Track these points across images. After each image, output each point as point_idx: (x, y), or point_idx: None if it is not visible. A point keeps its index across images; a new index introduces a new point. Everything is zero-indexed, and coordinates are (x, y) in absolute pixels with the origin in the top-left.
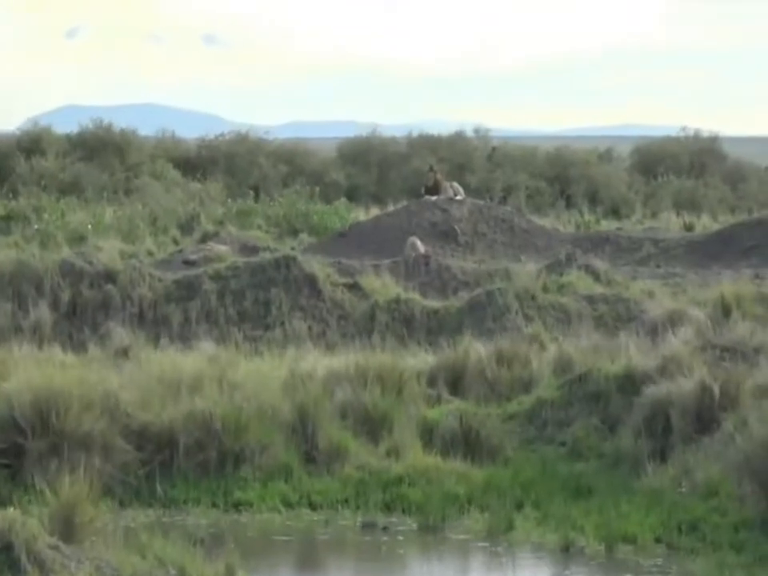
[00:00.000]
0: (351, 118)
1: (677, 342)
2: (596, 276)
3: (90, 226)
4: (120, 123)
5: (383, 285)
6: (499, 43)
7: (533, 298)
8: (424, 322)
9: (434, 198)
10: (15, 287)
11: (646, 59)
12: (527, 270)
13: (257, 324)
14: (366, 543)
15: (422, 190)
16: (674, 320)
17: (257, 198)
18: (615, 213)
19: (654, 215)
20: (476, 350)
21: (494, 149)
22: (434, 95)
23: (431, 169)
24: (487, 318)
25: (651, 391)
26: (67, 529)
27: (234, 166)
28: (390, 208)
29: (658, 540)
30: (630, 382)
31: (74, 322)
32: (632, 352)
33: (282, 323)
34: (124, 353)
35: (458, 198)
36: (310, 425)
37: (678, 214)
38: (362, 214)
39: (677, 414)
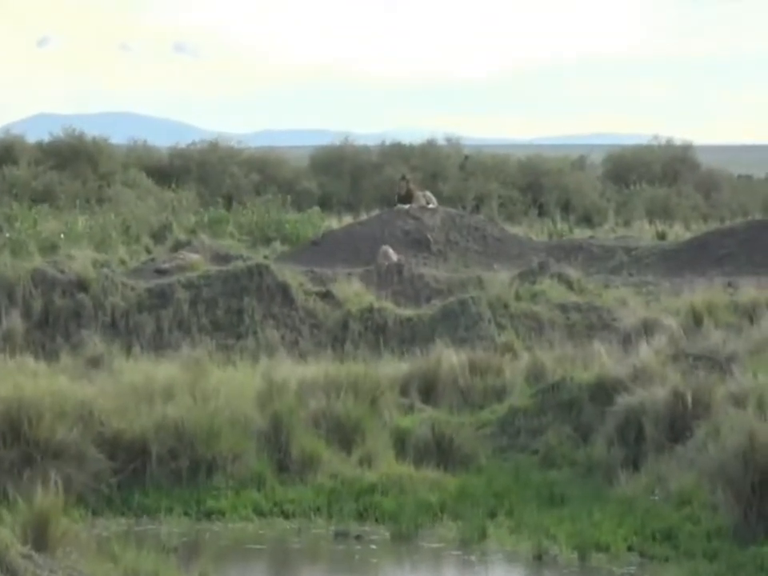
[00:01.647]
0: (324, 127)
1: (649, 351)
2: (569, 284)
3: (62, 235)
4: (92, 132)
5: (356, 293)
6: (472, 51)
7: (505, 306)
8: (397, 330)
9: (406, 206)
10: None
11: (619, 68)
12: (500, 279)
13: (229, 333)
14: (339, 552)
15: (395, 199)
16: (646, 328)
17: (229, 206)
18: (588, 221)
19: (626, 223)
20: (449, 358)
21: (466, 157)
22: (406, 104)
23: (404, 177)
24: (460, 326)
25: (624, 400)
26: (40, 538)
27: (206, 175)
28: (363, 217)
29: (630, 548)
30: (603, 391)
31: (46, 330)
32: (605, 360)
33: (255, 332)
34: (96, 362)
35: (431, 206)
36: (282, 433)
37: (650, 223)
38: (334, 223)
39: (650, 423)
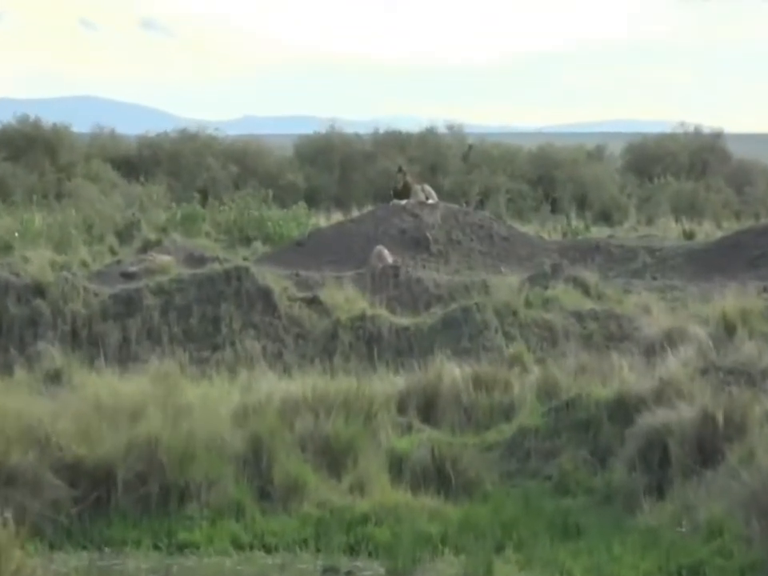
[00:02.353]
0: (310, 113)
1: (675, 364)
2: (585, 289)
3: (16, 234)
4: (50, 118)
5: (346, 299)
6: (474, 33)
7: (514, 314)
8: (392, 341)
9: (403, 202)
10: None
11: (638, 51)
12: (508, 283)
13: (204, 344)
14: None
15: (390, 193)
16: (672, 338)
17: (204, 202)
18: (606, 218)
19: (649, 221)
20: (451, 372)
21: (469, 147)
22: (402, 88)
23: (400, 170)
24: (463, 336)
25: (647, 419)
26: None
27: (179, 167)
28: (354, 213)
29: None
30: (623, 409)
31: None
32: (625, 375)
33: (233, 343)
34: (55, 376)
35: (430, 202)
36: (264, 457)
37: (676, 220)
38: (322, 220)
39: (676, 445)
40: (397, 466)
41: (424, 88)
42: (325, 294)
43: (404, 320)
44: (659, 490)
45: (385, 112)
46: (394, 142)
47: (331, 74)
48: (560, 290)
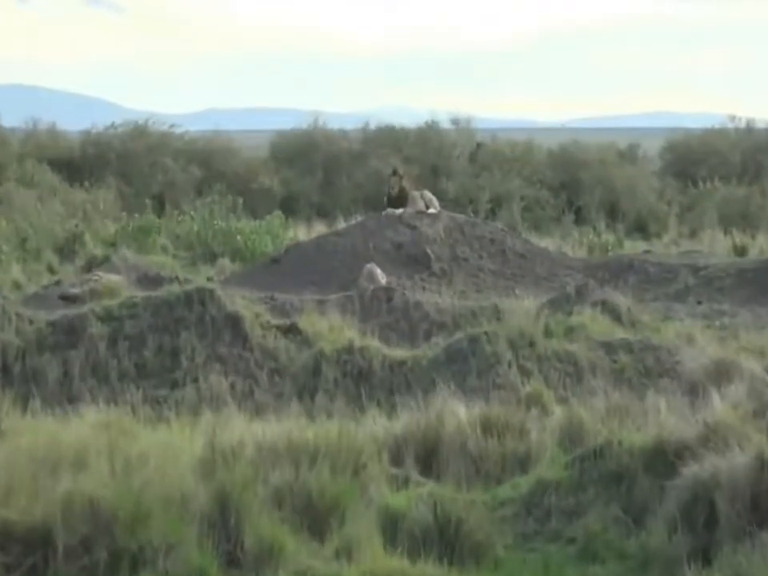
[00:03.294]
0: (287, 105)
1: (724, 404)
2: (616, 315)
3: None
4: None
5: (331, 328)
6: (482, 13)
7: (531, 344)
8: (386, 377)
9: (398, 211)
10: None
11: (675, 32)
12: (524, 308)
13: (161, 381)
14: None
15: (384, 201)
16: (720, 374)
17: (161, 211)
18: (642, 231)
19: (693, 234)
20: (455, 414)
21: (478, 145)
22: (397, 77)
23: (395, 172)
24: (470, 371)
25: (690, 470)
26: None
27: (130, 169)
28: (340, 225)
29: None
30: (662, 458)
31: None
32: (664, 417)
33: (196, 379)
34: None
35: (431, 211)
36: (233, 516)
37: (725, 233)
38: (302, 233)
39: (725, 501)
40: (391, 527)
41: (423, 74)
42: (305, 322)
43: (399, 352)
44: (705, 555)
45: (376, 103)
46: (387, 139)
47: (312, 58)
48: (586, 317)
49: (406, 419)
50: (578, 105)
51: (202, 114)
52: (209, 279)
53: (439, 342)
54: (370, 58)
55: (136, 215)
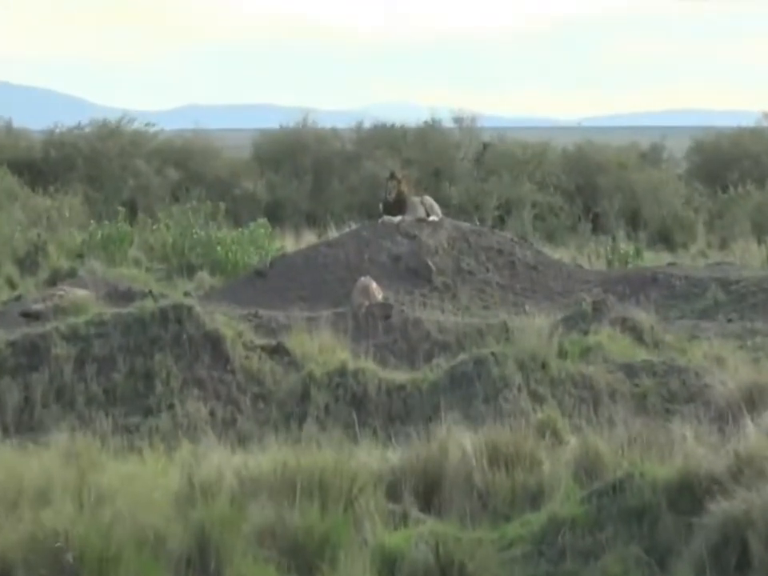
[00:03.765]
0: (273, 102)
1: (758, 433)
2: (637, 334)
3: None
4: None
5: (321, 348)
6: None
7: (544, 367)
8: (382, 402)
9: (396, 218)
10: None
11: (701, 20)
12: (535, 326)
13: (133, 407)
14: None
15: (380, 208)
16: (753, 399)
17: (133, 218)
18: (666, 241)
19: (723, 244)
20: (459, 444)
21: (485, 146)
22: (395, 70)
23: (392, 176)
24: (476, 396)
25: (720, 506)
26: None
27: (99, 172)
28: (332, 234)
29: None
30: (689, 493)
31: None
32: (691, 447)
33: (171, 405)
34: None
35: (432, 218)
36: (212, 556)
37: (759, 243)
38: (289, 243)
39: (758, 539)
40: (388, 568)
41: (423, 67)
42: (293, 341)
43: (397, 375)
44: None
45: (372, 99)
46: (383, 138)
47: (301, 50)
48: (604, 336)
49: (405, 449)
50: (596, 101)
51: (179, 110)
52: (186, 294)
53: (442, 364)
54: (364, 49)
55: (105, 223)
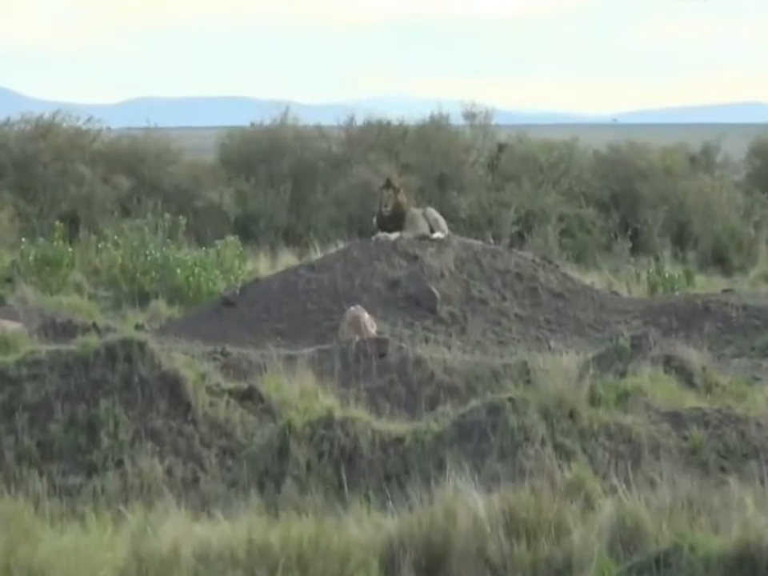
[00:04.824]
0: (244, 93)
1: None
2: (686, 376)
3: None
4: None
5: (302, 393)
6: None
7: (572, 416)
8: (376, 459)
9: (393, 236)
10: None
11: None
12: (562, 366)
13: (74, 464)
14: None
15: (374, 222)
16: None
17: (73, 235)
18: (721, 262)
19: None
20: (470, 508)
21: (501, 147)
22: (389, 54)
23: (388, 185)
24: (490, 451)
25: None
26: None
27: (31, 179)
28: (315, 255)
29: None
30: (750, 568)
31: None
32: (752, 514)
33: (120, 463)
34: None
35: (437, 236)
36: None
37: None
38: (263, 266)
39: None
40: None
41: (424, 52)
42: (268, 385)
43: (395, 426)
44: None
45: (363, 91)
46: (378, 138)
47: (278, 31)
48: (645, 378)
49: (404, 515)
50: (635, 93)
51: (130, 104)
52: (138, 328)
53: (448, 413)
54: (355, 31)
55: (40, 241)
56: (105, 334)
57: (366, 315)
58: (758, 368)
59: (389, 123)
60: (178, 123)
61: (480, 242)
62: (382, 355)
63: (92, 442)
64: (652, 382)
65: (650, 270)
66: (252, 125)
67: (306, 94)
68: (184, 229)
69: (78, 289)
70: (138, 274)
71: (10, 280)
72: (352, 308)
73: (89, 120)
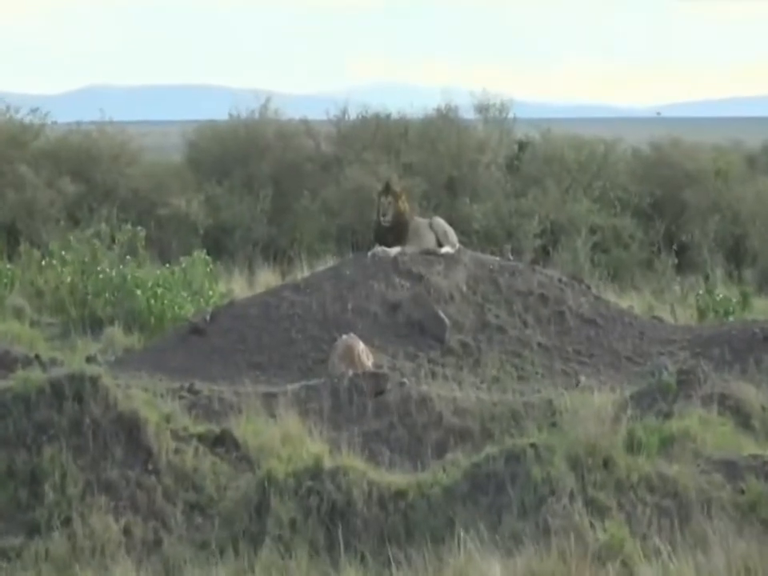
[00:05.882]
0: (215, 82)
1: None
2: (743, 418)
3: None
4: None
5: (285, 438)
6: None
7: (606, 465)
8: (374, 517)
9: (393, 250)
10: None
11: None
12: (594, 406)
13: (13, 523)
14: None
15: (371, 233)
16: None
17: (13, 249)
18: None
19: None
20: (485, 575)
21: (520, 146)
22: (385, 36)
23: (388, 190)
24: (509, 507)
25: None
26: None
27: None
28: (301, 273)
29: None
30: None
31: None
32: None
33: (68, 520)
34: None
35: (446, 250)
36: None
37: None
38: (240, 286)
39: None
40: None
41: (429, 31)
42: (244, 428)
43: (395, 478)
44: None
45: (358, 79)
46: (374, 135)
47: (256, 12)
48: (694, 420)
49: None
50: (680, 82)
51: (79, 94)
52: (90, 360)
53: (459, 461)
54: (347, 6)
55: None
56: (50, 368)
57: (361, 345)
58: None
59: (388, 117)
60: (137, 116)
61: (497, 258)
62: (380, 393)
63: (34, 496)
64: (702, 425)
65: (700, 292)
66: (227, 118)
67: (289, 82)
68: (144, 242)
69: (18, 314)
70: (89, 297)
71: None
72: (344, 336)
73: (31, 113)
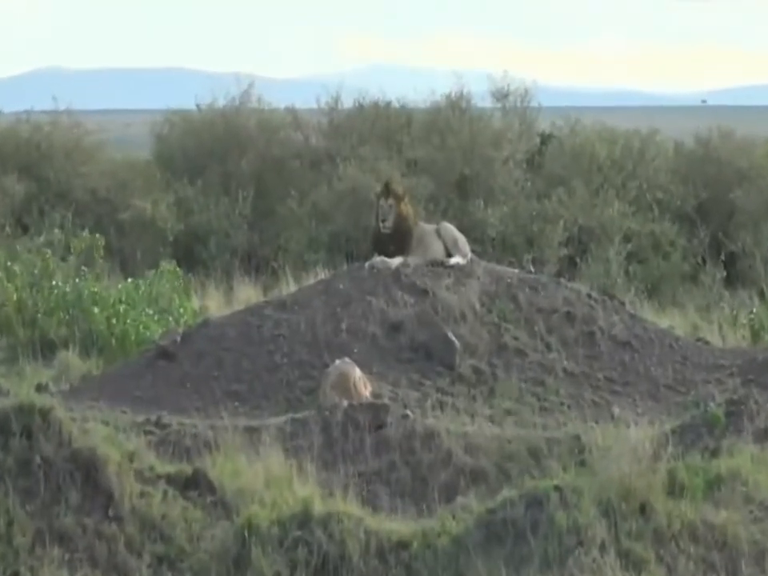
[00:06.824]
0: (187, 64)
1: None
2: None
3: None
4: None
5: (269, 480)
6: None
7: (643, 510)
8: (372, 570)
9: (395, 261)
10: None
11: None
12: (629, 442)
13: None
14: None
15: (369, 241)
16: None
17: None
18: None
19: None
20: None
21: (544, 139)
22: (383, 12)
23: (388, 191)
24: (530, 560)
25: None
26: None
27: None
28: (287, 287)
29: None
30: None
31: None
32: None
33: (16, 574)
34: None
35: (455, 261)
36: None
37: None
38: (215, 302)
39: None
40: None
41: (436, 7)
42: (220, 468)
43: (397, 525)
44: None
45: (353, 60)
46: (373, 127)
47: None
48: (746, 459)
49: None
50: (729, 64)
51: (28, 78)
52: (41, 389)
53: (471, 506)
54: None
55: None
56: None
57: (358, 372)
58: None
59: (388, 105)
60: (95, 104)
61: (516, 271)
62: (380, 427)
63: None
64: (754, 465)
65: (753, 310)
66: (199, 107)
67: (274, 65)
68: (104, 252)
69: None
70: (39, 315)
71: None
72: (338, 362)
73: None
